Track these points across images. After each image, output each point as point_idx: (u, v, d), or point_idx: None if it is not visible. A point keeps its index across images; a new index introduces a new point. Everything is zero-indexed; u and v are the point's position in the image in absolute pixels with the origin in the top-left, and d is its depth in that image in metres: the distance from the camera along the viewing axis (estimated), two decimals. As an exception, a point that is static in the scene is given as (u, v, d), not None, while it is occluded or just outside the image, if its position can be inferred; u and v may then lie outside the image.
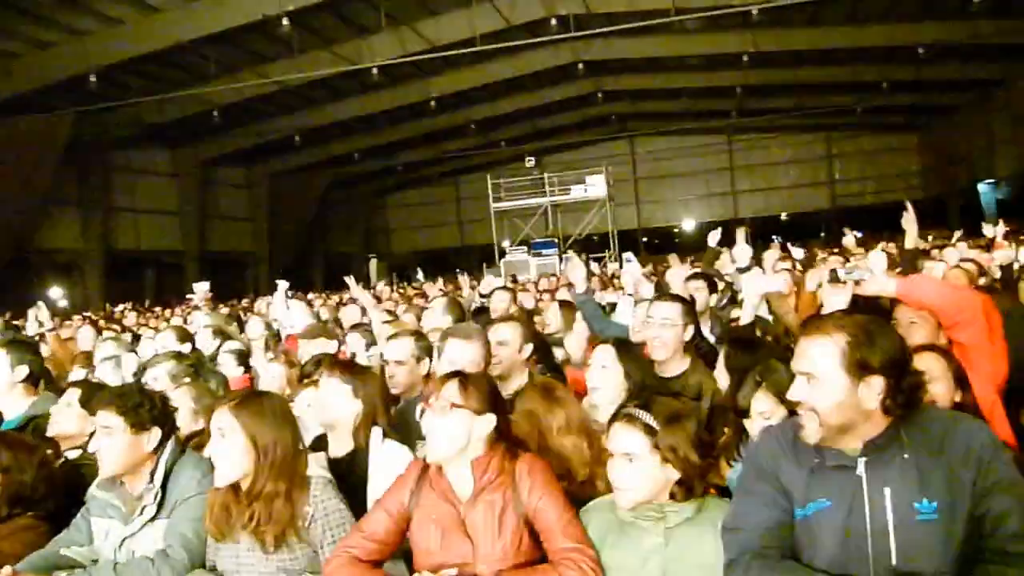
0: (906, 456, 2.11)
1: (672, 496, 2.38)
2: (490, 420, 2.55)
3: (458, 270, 25.76)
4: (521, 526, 2.48)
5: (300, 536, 2.63)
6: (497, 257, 29.98)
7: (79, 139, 25.70)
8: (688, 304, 4.07)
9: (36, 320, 8.27)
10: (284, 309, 6.68)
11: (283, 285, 7.66)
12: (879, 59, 27.12)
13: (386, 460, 3.05)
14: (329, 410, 3.15)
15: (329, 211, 39.61)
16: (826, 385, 2.12)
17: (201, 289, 6.01)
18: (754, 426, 2.82)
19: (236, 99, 25.52)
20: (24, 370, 3.92)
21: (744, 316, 4.57)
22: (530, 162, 34.58)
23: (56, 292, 27.58)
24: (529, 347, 3.94)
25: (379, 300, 10.09)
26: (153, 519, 2.82)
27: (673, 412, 2.42)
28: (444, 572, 2.36)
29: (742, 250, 7.81)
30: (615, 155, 39.85)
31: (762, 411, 2.82)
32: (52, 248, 28.14)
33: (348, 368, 3.30)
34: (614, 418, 2.48)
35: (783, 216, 41.42)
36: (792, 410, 2.77)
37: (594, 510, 2.55)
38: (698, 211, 41.67)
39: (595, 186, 31.27)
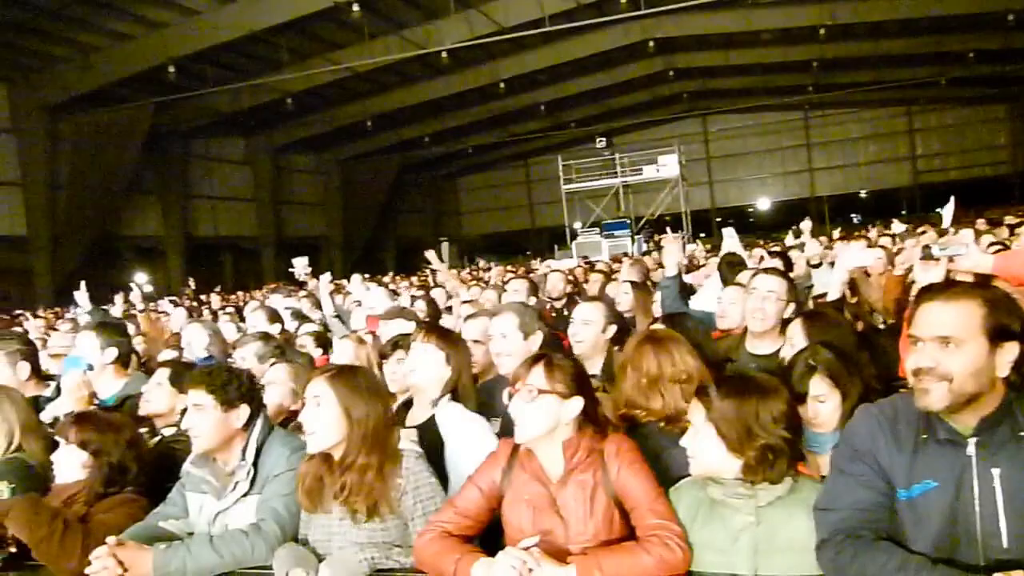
0: (1022, 434, 2.05)
1: (743, 476, 2.35)
2: (577, 403, 2.54)
3: (527, 252, 25.76)
4: (611, 506, 2.48)
5: (391, 508, 2.66)
6: (568, 239, 29.89)
7: (158, 129, 26.48)
8: (792, 282, 4.00)
9: (124, 302, 8.52)
10: (363, 292, 6.75)
11: (356, 278, 7.74)
12: (964, 28, 26.03)
13: (462, 428, 3.10)
14: (418, 375, 3.20)
15: (400, 195, 40.04)
16: (965, 349, 2.04)
17: (301, 263, 6.10)
18: (809, 410, 2.77)
19: (308, 86, 25.94)
20: (113, 352, 4.03)
21: (832, 291, 4.45)
22: (601, 143, 34.27)
23: (141, 277, 28.51)
24: (613, 328, 3.94)
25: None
26: (245, 495, 2.87)
27: (739, 389, 2.38)
28: (526, 540, 2.35)
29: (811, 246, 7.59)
30: (687, 134, 39.29)
31: (818, 395, 2.78)
32: (136, 235, 29.13)
33: (444, 336, 3.33)
34: (696, 393, 2.48)
35: (862, 194, 40.24)
36: (867, 392, 2.74)
37: (684, 488, 2.52)
38: (773, 190, 40.80)
39: (667, 166, 30.88)
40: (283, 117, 29.00)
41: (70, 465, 3.00)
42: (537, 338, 3.69)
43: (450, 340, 3.32)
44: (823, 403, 2.76)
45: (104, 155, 25.75)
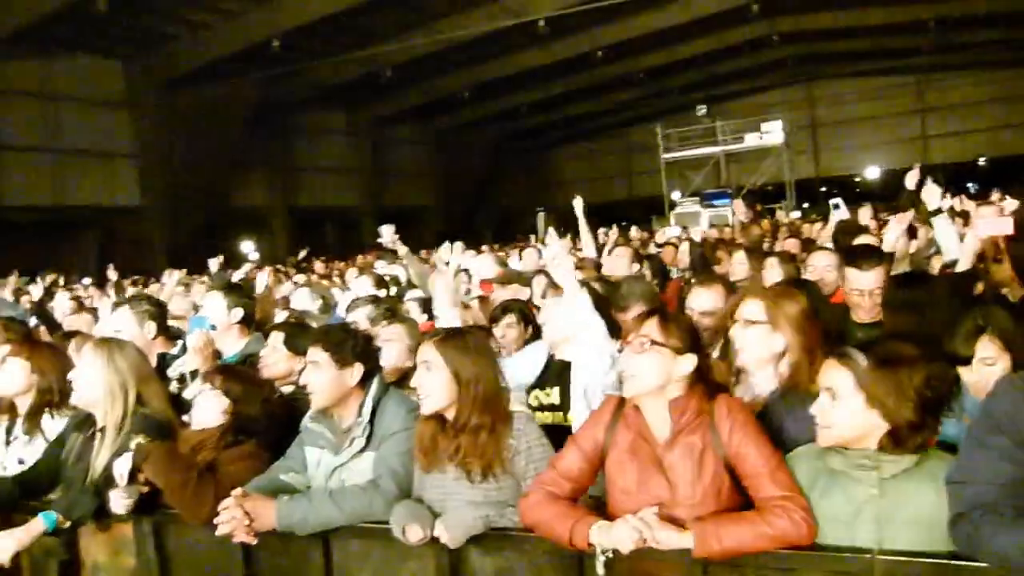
0: None
1: (881, 447, 2.25)
2: (690, 360, 2.49)
3: (624, 222, 25.50)
4: (722, 470, 2.42)
5: (504, 468, 2.70)
6: (666, 209, 29.47)
7: (263, 102, 27.24)
8: (890, 259, 3.86)
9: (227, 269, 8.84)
10: (466, 260, 6.81)
11: (458, 246, 7.77)
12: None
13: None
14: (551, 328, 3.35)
15: (498, 165, 40.14)
16: None
17: (388, 231, 6.20)
18: (974, 374, 2.64)
19: (407, 57, 26.16)
20: (239, 312, 4.20)
21: (962, 261, 4.23)
22: (701, 110, 33.49)
23: (248, 246, 29.55)
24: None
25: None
26: (362, 451, 2.95)
27: (890, 356, 2.26)
28: (645, 510, 2.33)
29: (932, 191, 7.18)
30: (791, 100, 37.93)
31: (986, 357, 2.65)
32: (243, 205, 30.16)
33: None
34: (826, 354, 2.40)
35: (981, 161, 38.12)
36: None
37: (801, 457, 2.45)
38: (883, 157, 38.98)
39: (771, 133, 29.99)
40: (383, 89, 29.36)
41: (211, 411, 3.14)
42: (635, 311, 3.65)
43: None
44: (991, 366, 2.63)
45: (213, 128, 26.72)
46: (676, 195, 30.85)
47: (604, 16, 25.26)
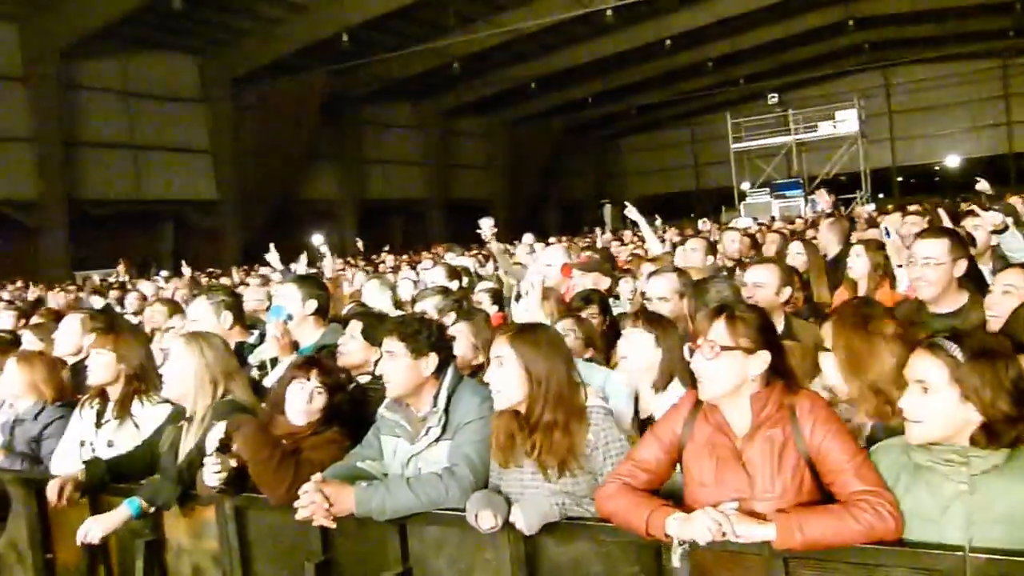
0: None
1: (973, 442, 2.17)
2: (764, 358, 2.43)
3: (692, 214, 25.20)
4: (802, 465, 2.37)
5: (581, 464, 2.69)
6: (736, 200, 29.00)
7: (333, 96, 27.67)
8: (955, 238, 3.71)
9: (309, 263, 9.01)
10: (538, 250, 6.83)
11: (528, 237, 7.75)
12: None
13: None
14: (632, 360, 3.19)
15: (564, 157, 40.05)
16: None
17: (487, 224, 6.23)
18: None
19: (473, 50, 26.27)
20: (313, 304, 4.27)
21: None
22: (773, 99, 32.79)
23: (317, 238, 30.05)
24: (788, 291, 3.83)
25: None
26: (437, 440, 2.97)
27: (986, 348, 2.18)
28: (725, 504, 2.30)
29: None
30: (867, 88, 36.87)
31: None
32: (313, 198, 30.73)
33: (651, 320, 3.30)
34: (913, 347, 2.32)
35: (1069, 149, 36.52)
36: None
37: (883, 451, 2.39)
38: (964, 146, 37.66)
39: (845, 122, 29.25)
40: (450, 81, 29.56)
41: (306, 402, 3.21)
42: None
43: (656, 322, 3.28)
44: None
45: (283, 122, 27.34)
46: (746, 186, 30.32)
47: (672, 4, 24.98)
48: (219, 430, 3.06)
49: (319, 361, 3.44)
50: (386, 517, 2.80)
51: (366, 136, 32.52)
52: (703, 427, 2.51)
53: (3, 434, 4.12)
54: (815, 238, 6.87)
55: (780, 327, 3.62)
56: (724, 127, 31.45)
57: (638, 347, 3.19)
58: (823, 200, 7.36)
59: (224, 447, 3.05)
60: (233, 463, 3.07)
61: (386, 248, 18.67)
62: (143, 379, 3.88)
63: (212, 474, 3.05)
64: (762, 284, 3.80)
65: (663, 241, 7.98)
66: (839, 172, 31.44)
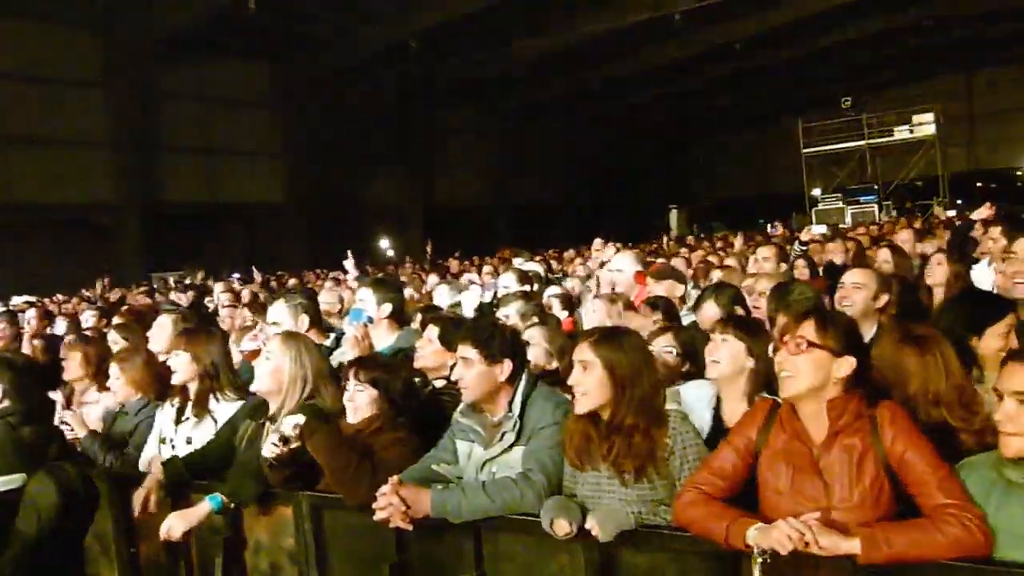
0: None
1: None
2: (849, 362, 2.41)
3: (761, 220, 24.80)
4: (882, 475, 2.33)
5: (659, 469, 2.68)
6: (807, 206, 28.42)
7: (400, 101, 28.04)
8: None
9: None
10: (609, 254, 6.80)
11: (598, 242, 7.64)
12: None
13: None
14: (721, 367, 3.16)
15: (629, 161, 39.78)
16: None
17: (599, 243, 6.30)
18: None
19: (541, 54, 26.29)
20: (388, 307, 4.35)
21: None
22: (846, 103, 32.02)
23: (384, 242, 30.47)
24: (885, 297, 3.76)
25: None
26: (512, 445, 2.99)
27: None
28: (807, 516, 2.26)
29: None
30: (946, 90, 35.67)
31: None
32: (380, 202, 31.17)
33: (742, 327, 3.24)
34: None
35: None
36: None
37: (971, 467, 2.34)
38: (1048, 150, 36.20)
39: (923, 126, 28.38)
40: (516, 85, 29.66)
41: (361, 402, 3.28)
42: None
43: (749, 330, 3.22)
44: None
45: (352, 127, 27.84)
46: (817, 191, 29.70)
47: (743, 6, 24.62)
48: (297, 419, 3.12)
49: (365, 358, 3.50)
50: (461, 520, 2.82)
51: (433, 140, 32.81)
52: (779, 434, 2.50)
53: (102, 423, 4.27)
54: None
55: (872, 332, 3.60)
56: (795, 131, 30.85)
57: (728, 354, 3.13)
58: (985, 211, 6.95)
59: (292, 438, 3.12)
60: (293, 445, 3.12)
61: (457, 254, 18.80)
62: (217, 377, 3.99)
63: (271, 446, 3.12)
64: (860, 285, 3.77)
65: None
66: (915, 177, 30.56)
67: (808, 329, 2.44)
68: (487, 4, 21.97)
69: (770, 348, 2.58)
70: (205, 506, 3.34)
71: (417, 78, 26.89)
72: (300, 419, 3.14)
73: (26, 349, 6.50)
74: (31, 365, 3.69)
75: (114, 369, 4.34)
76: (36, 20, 22.86)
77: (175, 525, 3.32)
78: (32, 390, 3.43)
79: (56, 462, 3.42)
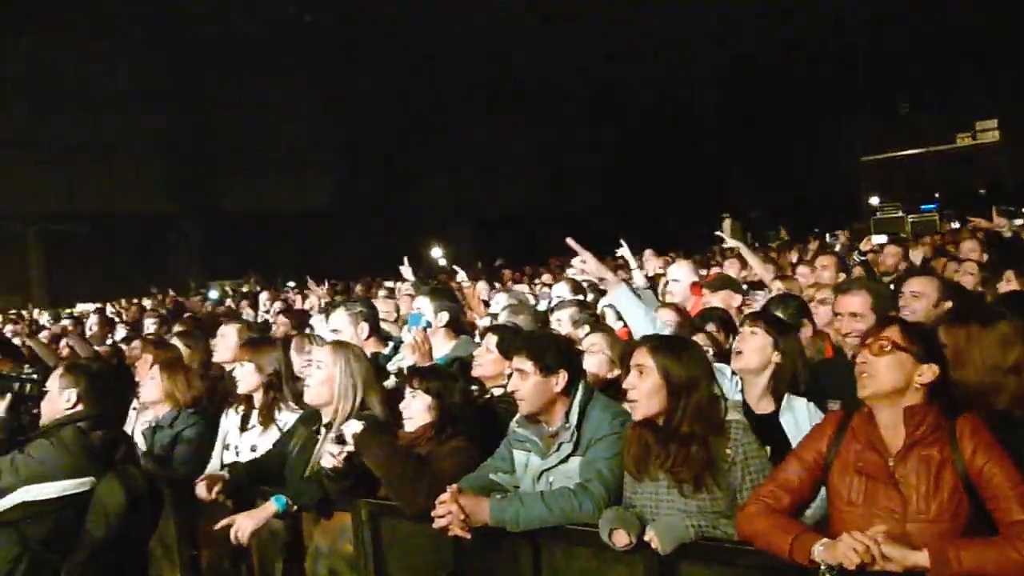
0: None
1: None
2: (932, 370, 2.38)
3: (816, 228, 24.33)
4: (960, 488, 2.28)
5: (719, 480, 2.65)
6: (865, 214, 27.82)
7: (449, 110, 28.26)
8: None
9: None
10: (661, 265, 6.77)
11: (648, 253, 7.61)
12: None
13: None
14: (746, 358, 3.18)
15: (678, 168, 39.27)
16: None
17: (649, 255, 6.32)
18: None
19: (587, 57, 26.18)
20: (445, 316, 4.39)
21: None
22: (904, 108, 31.28)
23: (436, 252, 30.66)
24: (947, 305, 3.68)
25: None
26: (569, 456, 2.98)
27: None
28: (874, 529, 2.21)
29: None
30: (1012, 94, 34.59)
31: None
32: (429, 212, 31.41)
33: (772, 322, 3.28)
34: None
35: None
36: None
37: None
38: None
39: (986, 132, 27.62)
40: (562, 92, 29.61)
41: (418, 409, 3.30)
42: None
43: (777, 327, 3.27)
44: None
45: (402, 136, 28.30)
46: (875, 200, 29.06)
47: (798, 8, 24.22)
48: (352, 427, 3.16)
49: (419, 369, 3.52)
50: (519, 529, 2.83)
51: (481, 148, 32.86)
52: (851, 445, 2.46)
53: (144, 439, 4.36)
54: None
55: None
56: (852, 138, 30.29)
57: (755, 346, 3.19)
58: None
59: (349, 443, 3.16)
60: (350, 450, 3.15)
61: (499, 261, 18.83)
62: (280, 387, 4.04)
63: (328, 456, 3.16)
64: (920, 294, 3.71)
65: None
66: (978, 184, 29.74)
67: (893, 332, 2.43)
68: (530, 8, 22.00)
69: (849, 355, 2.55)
70: (271, 506, 3.39)
71: (464, 86, 27.10)
72: (356, 426, 3.16)
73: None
74: (104, 371, 3.78)
75: (153, 370, 4.41)
76: (99, 37, 23.64)
77: (243, 525, 3.37)
78: (104, 396, 3.52)
79: (124, 466, 3.51)
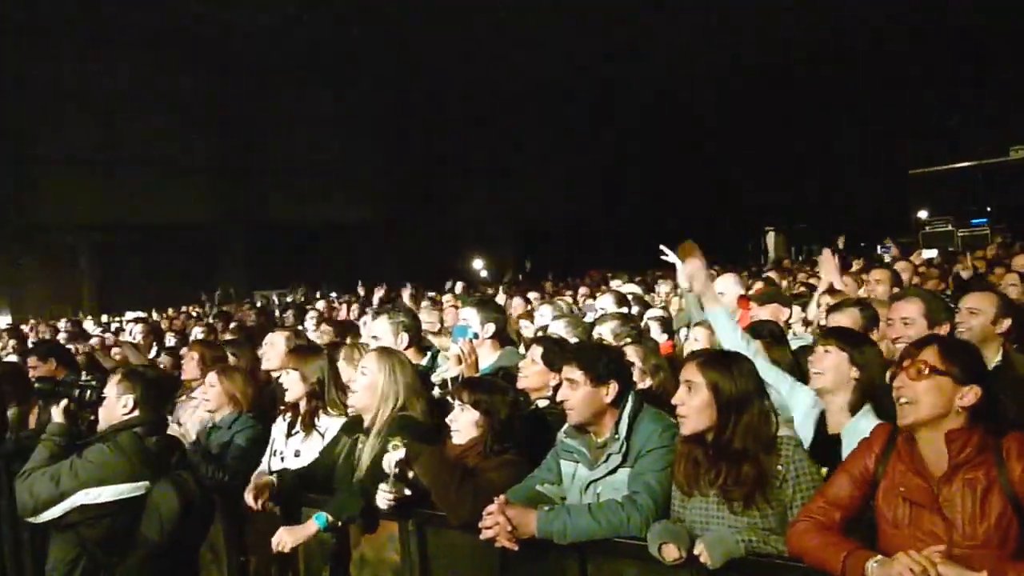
0: None
1: None
2: (974, 391, 2.31)
3: (863, 243, 23.97)
4: (1010, 511, 2.22)
5: (770, 497, 2.62)
6: (913, 229, 27.31)
7: (491, 121, 28.36)
8: None
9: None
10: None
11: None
12: None
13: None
14: (825, 378, 3.13)
15: (719, 180, 38.89)
16: None
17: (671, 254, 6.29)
18: None
19: (630, 69, 26.10)
20: (491, 327, 4.41)
21: None
22: (953, 120, 30.66)
23: (478, 263, 30.76)
24: (1007, 322, 3.61)
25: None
26: (617, 468, 2.97)
27: None
28: (931, 549, 2.17)
29: None
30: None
31: None
32: (471, 222, 31.55)
33: (844, 337, 3.22)
34: None
35: None
36: None
37: None
38: None
39: (1044, 144, 26.91)
40: (606, 102, 29.59)
41: (466, 423, 3.31)
42: (945, 329, 3.48)
43: (851, 340, 3.20)
44: None
45: (444, 147, 28.53)
46: (923, 214, 28.52)
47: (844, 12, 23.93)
48: (397, 455, 3.17)
49: (473, 380, 3.53)
50: (567, 541, 2.81)
51: (525, 159, 32.92)
52: (896, 465, 2.41)
53: (200, 437, 4.45)
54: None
55: (997, 358, 3.50)
56: (898, 151, 29.79)
57: (831, 364, 3.12)
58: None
59: (401, 473, 3.17)
60: (407, 492, 3.18)
61: (528, 266, 18.82)
62: (323, 395, 4.10)
63: (384, 499, 3.19)
64: (977, 311, 3.62)
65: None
66: (1031, 198, 29.05)
67: (930, 354, 2.35)
68: (579, 23, 22.08)
69: (887, 374, 2.49)
70: (312, 526, 3.43)
71: (507, 98, 27.25)
72: (398, 456, 3.17)
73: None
74: (160, 378, 3.87)
75: (211, 377, 4.49)
76: (149, 53, 24.29)
77: (285, 540, 3.42)
78: (160, 402, 3.60)
79: (178, 472, 3.58)
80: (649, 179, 36.61)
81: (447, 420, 3.39)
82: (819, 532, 2.40)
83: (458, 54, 25.23)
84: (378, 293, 8.78)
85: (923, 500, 2.32)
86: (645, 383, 3.74)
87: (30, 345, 10.93)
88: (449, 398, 3.47)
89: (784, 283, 6.96)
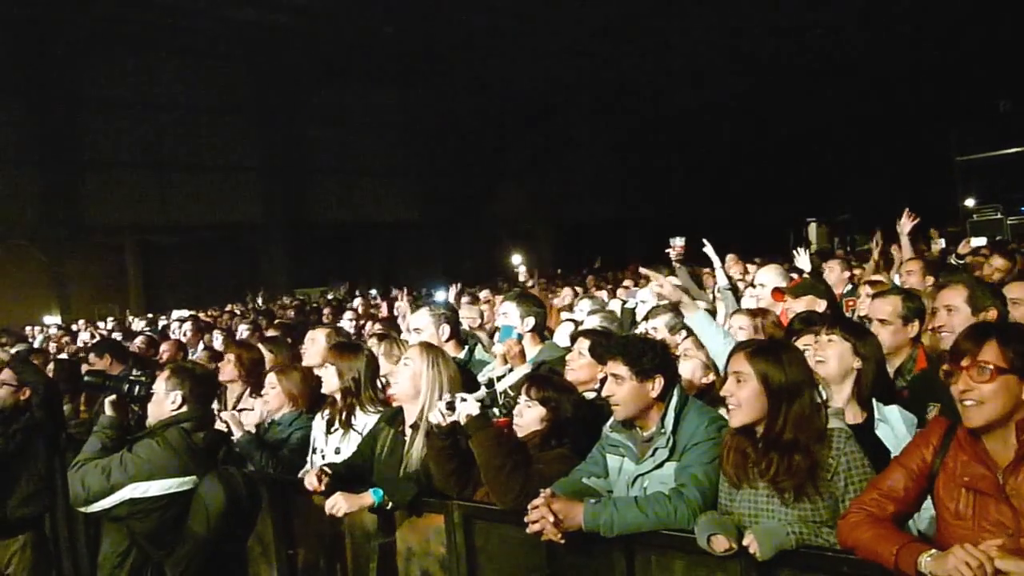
0: None
1: None
2: None
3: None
4: None
5: (821, 489, 2.58)
6: (961, 216, 26.73)
7: (528, 119, 28.36)
8: None
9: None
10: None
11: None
12: None
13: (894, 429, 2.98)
14: (826, 366, 3.12)
15: (759, 172, 38.44)
16: None
17: (678, 243, 6.23)
18: None
19: (669, 65, 25.91)
20: (531, 321, 4.42)
21: None
22: (1005, 106, 29.87)
23: (516, 259, 30.77)
24: None
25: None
26: (664, 462, 2.95)
27: None
28: (988, 542, 2.11)
29: None
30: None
31: None
32: (510, 219, 31.57)
33: (848, 328, 3.22)
34: None
35: None
36: None
37: None
38: None
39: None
40: (643, 98, 29.42)
41: (531, 418, 3.35)
42: (991, 315, 3.38)
43: (854, 330, 3.22)
44: None
45: (483, 145, 28.56)
46: (971, 201, 27.88)
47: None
48: (471, 408, 3.20)
49: (535, 378, 3.53)
50: (614, 534, 2.80)
51: (562, 155, 32.82)
52: (958, 455, 2.34)
53: (260, 430, 4.51)
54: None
55: None
56: (946, 137, 29.16)
57: (834, 353, 3.15)
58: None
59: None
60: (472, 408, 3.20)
61: (598, 263, 18.73)
62: (358, 393, 4.13)
63: (442, 409, 3.23)
64: (1020, 301, 3.55)
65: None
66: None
67: (991, 352, 2.25)
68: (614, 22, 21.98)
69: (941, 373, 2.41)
70: (368, 497, 3.49)
71: (543, 95, 27.21)
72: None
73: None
74: (208, 374, 3.93)
75: (271, 378, 4.57)
76: (192, 55, 24.66)
77: (341, 504, 3.48)
78: (207, 398, 3.65)
79: (224, 466, 3.63)
80: (689, 174, 36.35)
81: (512, 413, 3.41)
82: (872, 524, 2.35)
83: (498, 55, 25.22)
84: (453, 290, 8.79)
85: (988, 489, 2.25)
86: (708, 378, 3.71)
87: (80, 344, 11.21)
88: (488, 398, 3.48)
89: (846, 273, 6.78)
